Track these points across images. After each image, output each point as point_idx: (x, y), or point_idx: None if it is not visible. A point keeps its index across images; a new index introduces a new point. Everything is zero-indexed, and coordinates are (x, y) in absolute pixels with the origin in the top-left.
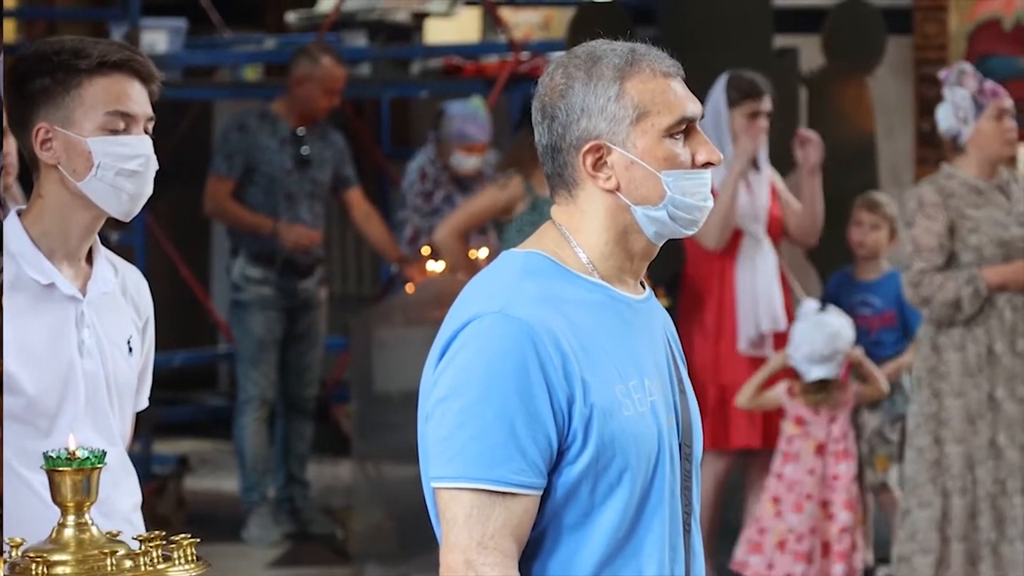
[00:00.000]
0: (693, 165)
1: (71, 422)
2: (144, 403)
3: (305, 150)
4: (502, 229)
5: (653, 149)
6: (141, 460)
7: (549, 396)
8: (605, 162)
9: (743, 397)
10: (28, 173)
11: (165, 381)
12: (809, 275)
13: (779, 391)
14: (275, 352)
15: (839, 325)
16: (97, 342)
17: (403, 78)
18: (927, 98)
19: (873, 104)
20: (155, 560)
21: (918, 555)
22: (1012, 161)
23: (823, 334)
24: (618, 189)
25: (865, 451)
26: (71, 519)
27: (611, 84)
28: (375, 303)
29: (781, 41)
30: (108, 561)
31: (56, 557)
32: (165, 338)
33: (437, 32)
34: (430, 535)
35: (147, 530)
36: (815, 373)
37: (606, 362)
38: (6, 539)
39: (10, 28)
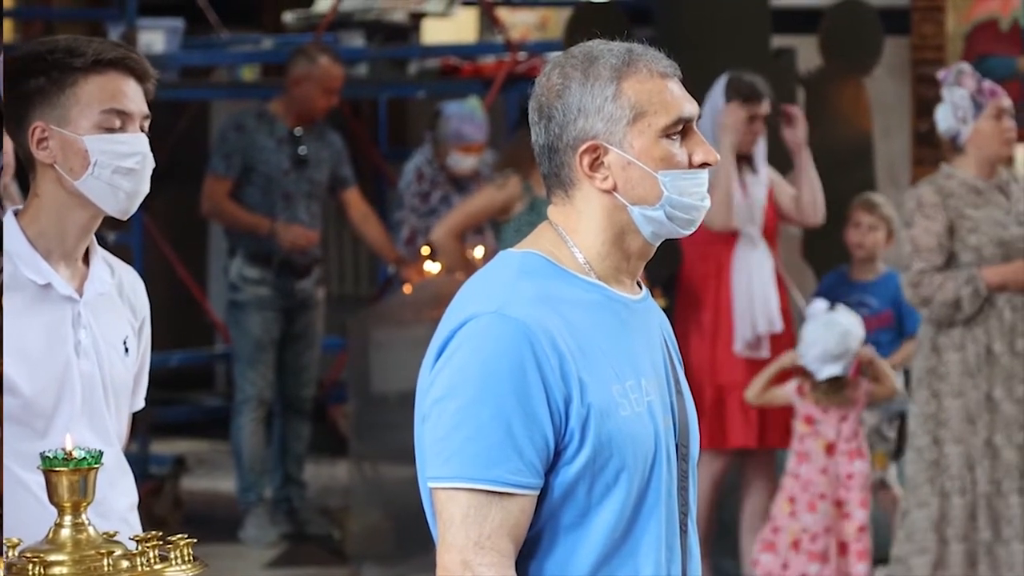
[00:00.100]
0: (690, 165)
1: (67, 422)
2: (140, 404)
3: (302, 150)
4: (500, 229)
5: (650, 149)
6: (138, 460)
7: (546, 396)
8: (602, 162)
9: (751, 392)
10: (25, 173)
11: (162, 381)
12: (806, 275)
13: (789, 389)
14: (272, 352)
15: (849, 324)
16: (93, 343)
17: (400, 78)
18: (924, 98)
19: (870, 104)
20: (152, 560)
21: (915, 555)
22: (1009, 161)
23: (834, 333)
24: (615, 189)
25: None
26: (68, 519)
27: (608, 84)
28: (372, 303)
29: (778, 41)
30: (105, 561)
31: (53, 557)
32: (162, 338)
33: (434, 32)
34: (427, 535)
35: (144, 530)
36: (826, 372)
37: (603, 362)
38: (4, 540)
39: (7, 28)
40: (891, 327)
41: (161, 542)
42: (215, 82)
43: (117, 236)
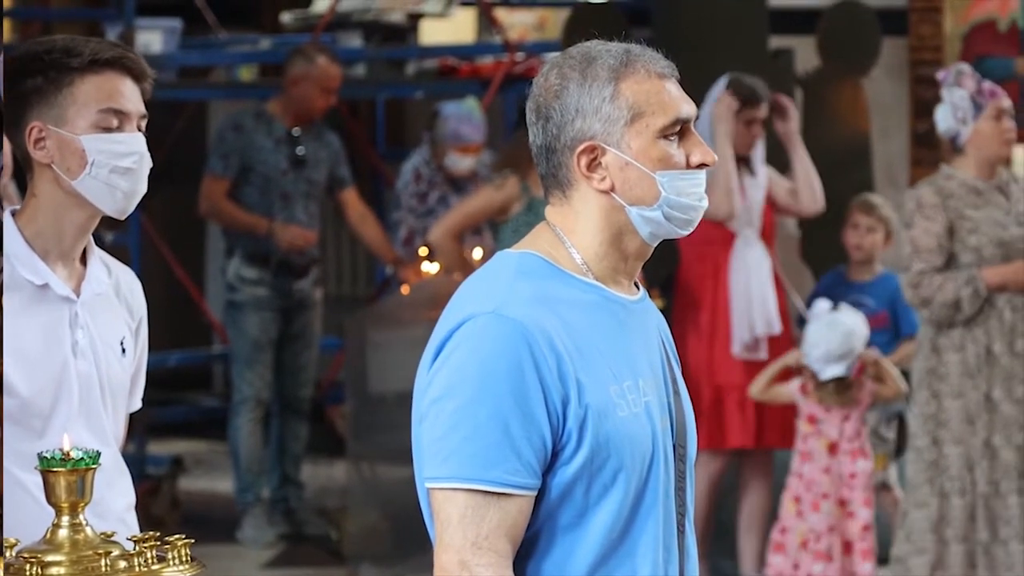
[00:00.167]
0: (687, 166)
1: (65, 423)
2: (137, 404)
3: (300, 150)
4: (498, 230)
5: (647, 150)
6: (135, 461)
7: (544, 396)
8: (599, 163)
9: (755, 388)
10: (23, 173)
11: (160, 381)
12: (803, 275)
13: (792, 388)
14: (270, 353)
15: (852, 323)
16: (91, 343)
17: (398, 79)
18: (922, 99)
19: (868, 105)
20: (149, 561)
21: (913, 556)
22: (1007, 162)
23: (837, 333)
24: (612, 190)
25: None
26: (65, 520)
27: (606, 85)
28: (370, 304)
29: (776, 42)
30: (103, 562)
31: (50, 558)
32: (160, 338)
33: (432, 33)
34: (425, 536)
35: (141, 531)
36: (829, 372)
37: (600, 363)
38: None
39: (5, 28)
40: (887, 328)
41: (159, 542)
42: (213, 82)
43: (115, 236)
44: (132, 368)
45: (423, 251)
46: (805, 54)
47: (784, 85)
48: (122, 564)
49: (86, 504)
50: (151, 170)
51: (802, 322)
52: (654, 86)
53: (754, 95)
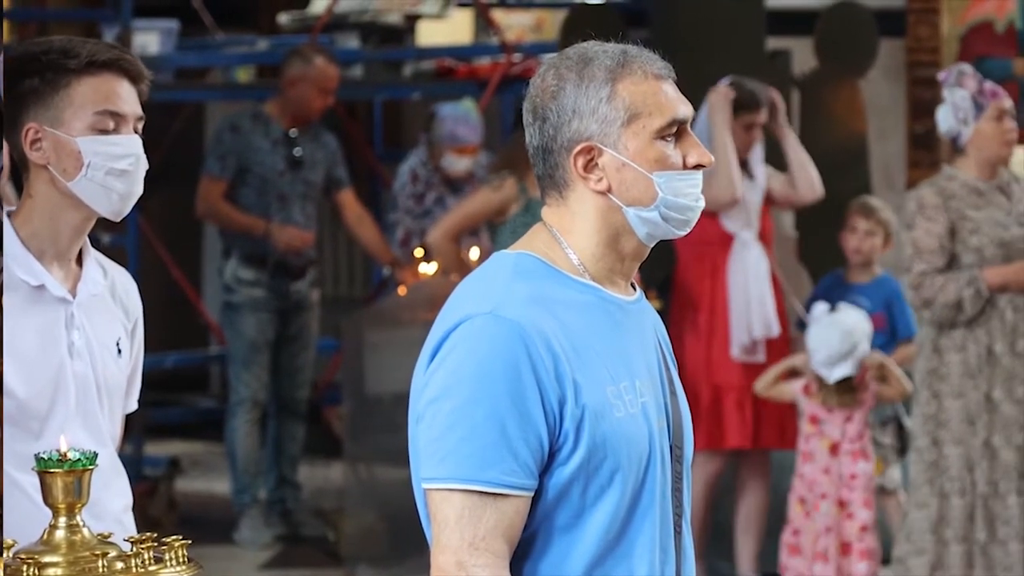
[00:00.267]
0: (684, 167)
1: (61, 424)
2: (133, 405)
3: (297, 151)
4: (495, 231)
5: (644, 151)
6: (132, 462)
7: (540, 397)
8: (596, 163)
9: (760, 384)
10: (20, 174)
11: (156, 383)
12: (801, 276)
13: (795, 388)
14: (267, 354)
15: (852, 321)
16: (87, 344)
17: (395, 80)
18: (920, 101)
19: (865, 106)
20: (146, 562)
21: (913, 556)
22: (1005, 163)
23: (838, 332)
24: (609, 191)
25: None
26: (62, 521)
27: (603, 86)
28: (367, 305)
29: (774, 43)
30: (100, 563)
31: (47, 559)
32: (156, 340)
33: (429, 34)
34: (422, 537)
35: (138, 532)
36: (836, 374)
37: (597, 363)
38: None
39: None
40: (883, 330)
41: (156, 543)
42: (210, 83)
43: (112, 237)
44: (128, 369)
45: (419, 252)
46: (802, 55)
47: (781, 86)
48: (119, 565)
49: (83, 505)
50: (148, 171)
51: (802, 326)
52: (651, 87)
53: (753, 99)
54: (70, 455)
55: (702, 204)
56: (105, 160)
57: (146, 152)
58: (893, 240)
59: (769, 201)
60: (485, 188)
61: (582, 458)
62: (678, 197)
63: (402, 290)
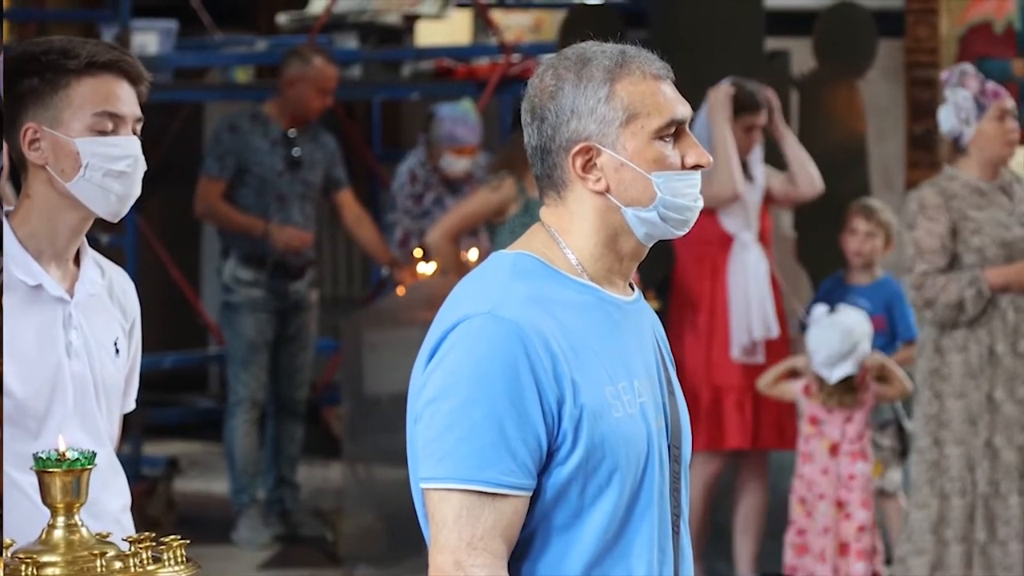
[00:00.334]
0: (682, 167)
1: (60, 423)
2: (131, 405)
3: (296, 152)
4: (494, 231)
5: (643, 151)
6: (131, 462)
7: (539, 397)
8: (595, 164)
9: (763, 381)
10: (19, 174)
11: (155, 383)
12: (800, 277)
13: (796, 388)
14: (266, 354)
15: (852, 320)
16: (84, 343)
17: (394, 80)
18: (918, 101)
19: (864, 107)
20: (145, 561)
21: (913, 556)
22: (1006, 163)
23: (838, 332)
24: (608, 191)
25: None
26: (61, 520)
27: (601, 86)
28: (366, 305)
29: (772, 44)
30: (98, 562)
31: (46, 558)
32: (155, 340)
33: (428, 34)
34: (420, 537)
35: (137, 532)
36: (837, 374)
37: (595, 363)
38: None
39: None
40: (883, 332)
41: (154, 543)
42: (209, 83)
43: (110, 238)
44: (126, 369)
45: (418, 252)
46: (801, 56)
47: (780, 87)
48: (117, 565)
49: (81, 505)
50: (147, 171)
51: (804, 328)
52: (649, 87)
53: (753, 100)
54: (68, 455)
55: (700, 204)
56: (103, 161)
57: (144, 152)
58: (894, 242)
59: (771, 200)
60: (484, 188)
61: (580, 458)
62: (676, 197)
63: (401, 290)
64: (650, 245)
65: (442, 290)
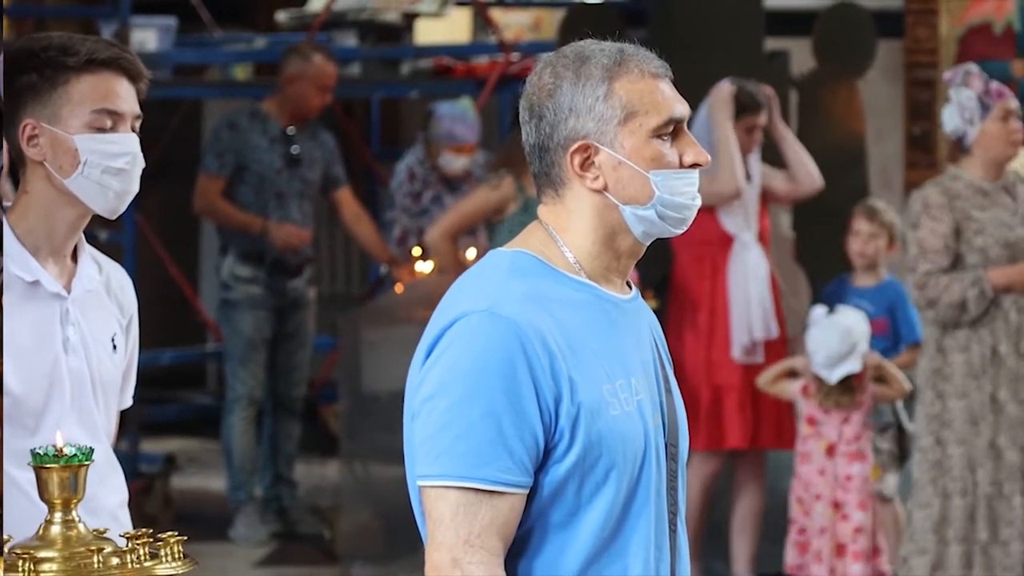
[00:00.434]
0: (680, 166)
1: (57, 419)
2: (128, 401)
3: (295, 149)
4: (493, 230)
5: (641, 149)
6: (128, 458)
7: (536, 395)
8: (593, 162)
9: (763, 379)
10: (17, 170)
11: (153, 379)
12: (798, 277)
13: (794, 388)
14: (264, 351)
15: (850, 321)
16: (82, 339)
17: (393, 78)
18: (918, 102)
19: (864, 107)
20: (142, 557)
21: (915, 556)
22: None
23: (835, 333)
24: (606, 189)
25: None
26: (58, 516)
27: (599, 84)
28: (364, 303)
29: (772, 44)
30: (95, 558)
31: (43, 554)
32: (153, 336)
33: (427, 32)
34: (417, 535)
35: (134, 528)
36: (837, 374)
37: (593, 361)
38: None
39: None
40: (885, 335)
41: (151, 539)
42: (208, 81)
43: (109, 234)
44: (123, 365)
45: (417, 251)
46: (801, 56)
47: (779, 87)
48: (115, 561)
49: (79, 501)
50: (145, 168)
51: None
52: (648, 86)
53: (754, 101)
54: (66, 450)
55: (698, 203)
56: (102, 158)
57: (143, 149)
58: (898, 242)
59: (771, 198)
60: (483, 187)
61: (577, 456)
62: (674, 196)
63: (399, 288)
64: (648, 243)
65: (440, 288)
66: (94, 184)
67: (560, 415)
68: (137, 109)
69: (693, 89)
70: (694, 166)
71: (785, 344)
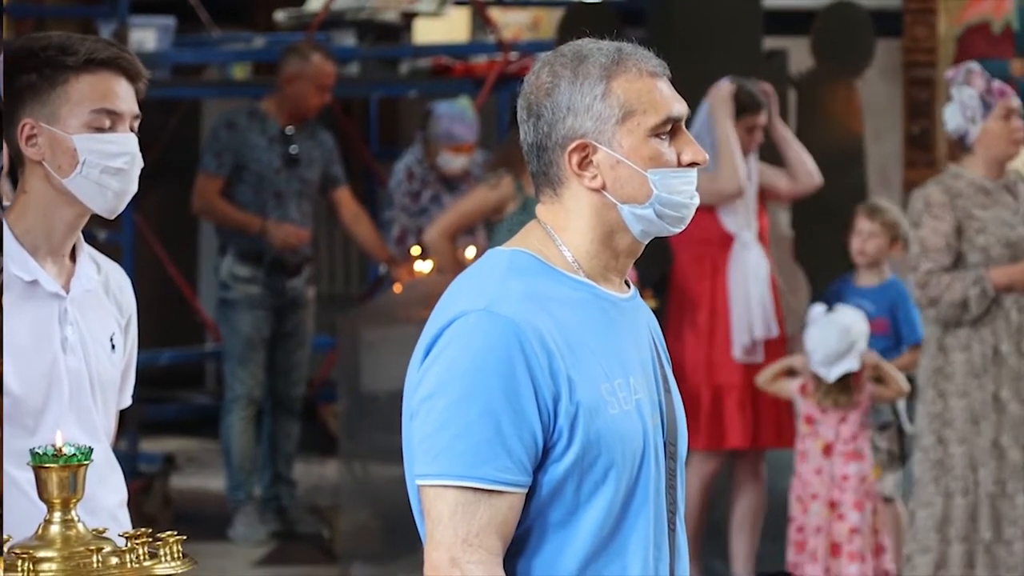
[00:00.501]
0: (679, 164)
1: (56, 419)
2: (127, 401)
3: (294, 149)
4: (492, 229)
5: (639, 148)
6: (127, 458)
7: (535, 394)
8: (591, 161)
9: (763, 377)
10: (15, 169)
11: (152, 379)
12: (798, 276)
13: (793, 387)
14: (263, 351)
15: (848, 320)
16: (80, 339)
17: (392, 78)
18: (916, 101)
19: (862, 106)
20: (141, 557)
21: (918, 554)
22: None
23: (833, 331)
24: (604, 188)
25: None
26: (57, 516)
27: (597, 83)
28: (363, 302)
29: (770, 43)
30: (94, 558)
31: (42, 554)
32: (152, 336)
33: (426, 32)
34: (416, 534)
35: (133, 528)
36: (836, 372)
37: (591, 360)
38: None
39: None
40: (886, 335)
41: (150, 539)
42: (206, 80)
43: (108, 234)
44: (122, 365)
45: (416, 250)
46: (799, 55)
47: (778, 86)
48: (114, 560)
49: (78, 500)
50: (144, 168)
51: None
52: (645, 85)
53: (755, 101)
54: (65, 450)
55: (697, 201)
56: (100, 158)
57: (142, 149)
58: (901, 242)
59: (770, 196)
60: (482, 186)
61: (576, 455)
62: (673, 194)
63: (398, 288)
64: (646, 242)
65: (439, 288)
66: (93, 184)
67: (559, 414)
68: (136, 109)
69: (691, 88)
70: (692, 165)
71: (785, 343)
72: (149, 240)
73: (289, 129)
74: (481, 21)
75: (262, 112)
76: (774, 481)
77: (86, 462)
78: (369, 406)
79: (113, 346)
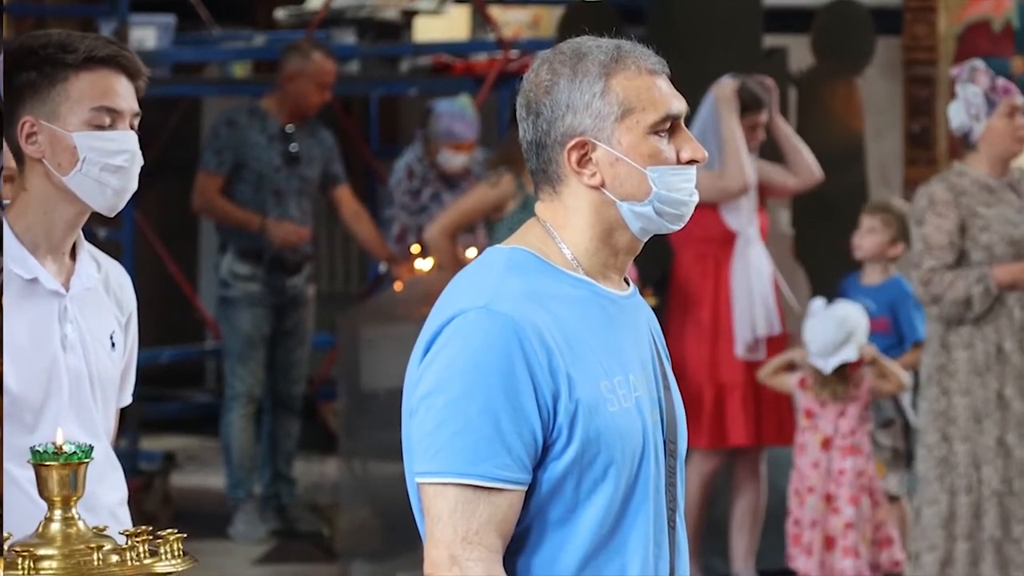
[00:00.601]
0: (678, 162)
1: (56, 417)
2: (128, 399)
3: (294, 147)
4: (492, 227)
5: (638, 146)
6: (127, 456)
7: (534, 391)
8: (590, 158)
9: (763, 372)
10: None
11: (152, 377)
12: (797, 274)
13: (792, 381)
14: (263, 349)
15: (846, 312)
16: (80, 337)
17: (392, 76)
18: (916, 99)
19: (862, 104)
20: (141, 555)
21: (924, 552)
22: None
23: (831, 323)
24: (603, 185)
25: None
26: (58, 513)
27: (596, 80)
28: (363, 301)
29: (770, 41)
30: (95, 556)
31: (43, 551)
32: (152, 334)
33: (426, 30)
34: (416, 532)
35: (133, 526)
36: (833, 363)
37: (591, 358)
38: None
39: None
40: (887, 334)
41: (150, 537)
42: (207, 78)
43: (108, 232)
44: (122, 363)
45: (416, 248)
46: (799, 53)
47: (778, 84)
48: (114, 558)
49: (78, 498)
50: (144, 166)
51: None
52: (644, 82)
53: (756, 99)
54: (65, 448)
55: (696, 199)
56: (100, 156)
57: (142, 147)
58: (905, 241)
59: (771, 192)
60: (482, 184)
61: (576, 452)
62: (672, 192)
63: (398, 286)
64: (645, 240)
65: (439, 286)
66: (93, 181)
67: (558, 412)
68: (136, 107)
69: (691, 86)
70: (691, 162)
71: (785, 340)
72: (149, 238)
73: (289, 127)
74: (481, 19)
75: (262, 110)
76: (774, 478)
77: (86, 460)
78: (369, 404)
79: (113, 344)
